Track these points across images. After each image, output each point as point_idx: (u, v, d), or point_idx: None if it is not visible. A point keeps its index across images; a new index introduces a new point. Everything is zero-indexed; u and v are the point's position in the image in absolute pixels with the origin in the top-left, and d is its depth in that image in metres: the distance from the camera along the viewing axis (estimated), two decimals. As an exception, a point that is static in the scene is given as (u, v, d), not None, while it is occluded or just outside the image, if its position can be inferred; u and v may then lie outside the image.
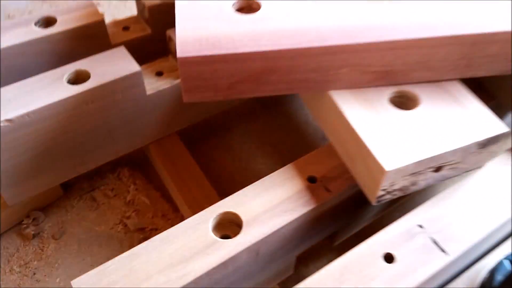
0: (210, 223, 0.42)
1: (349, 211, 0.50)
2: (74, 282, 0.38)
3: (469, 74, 0.47)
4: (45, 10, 0.97)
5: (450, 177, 0.45)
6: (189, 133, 0.69)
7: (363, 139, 0.42)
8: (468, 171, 0.46)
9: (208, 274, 0.39)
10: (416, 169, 0.41)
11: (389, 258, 0.40)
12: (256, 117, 0.76)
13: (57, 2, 1.01)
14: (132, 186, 0.65)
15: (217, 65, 0.41)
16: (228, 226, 0.43)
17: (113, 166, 0.67)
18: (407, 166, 0.40)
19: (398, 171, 0.40)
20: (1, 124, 0.49)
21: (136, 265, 0.39)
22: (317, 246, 0.55)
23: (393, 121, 0.43)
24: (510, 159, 0.47)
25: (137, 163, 0.68)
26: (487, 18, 0.44)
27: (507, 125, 0.43)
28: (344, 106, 0.45)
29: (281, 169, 0.47)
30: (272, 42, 0.42)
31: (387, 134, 0.42)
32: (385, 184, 0.41)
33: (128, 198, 0.64)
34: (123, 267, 0.39)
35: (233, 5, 0.46)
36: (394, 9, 0.45)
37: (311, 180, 0.46)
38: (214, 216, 0.42)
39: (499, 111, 0.53)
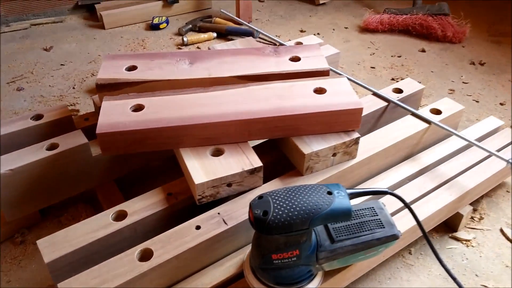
0: (110, 216, 0.83)
1: (191, 211, 0.91)
2: (39, 242, 0.78)
3: (252, 139, 0.91)
4: (39, 108, 1.45)
5: (241, 191, 0.87)
6: (123, 181, 1.11)
7: (190, 172, 0.84)
8: (251, 188, 0.88)
9: (107, 236, 0.80)
10: (214, 184, 0.83)
11: (198, 227, 0.81)
12: (171, 171, 1.19)
13: (49, 103, 1.49)
14: (84, 213, 1.06)
15: (117, 136, 0.85)
16: (121, 218, 0.84)
17: (73, 202, 1.08)
18: (207, 181, 0.82)
19: (201, 184, 0.82)
20: (6, 172, 0.91)
21: (71, 233, 0.80)
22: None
23: (208, 163, 0.86)
24: (274, 183, 0.90)
25: (88, 199, 1.09)
26: (255, 108, 0.89)
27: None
28: (185, 157, 0.88)
29: (155, 189, 0.89)
30: (145, 125, 0.86)
31: (203, 169, 0.85)
32: (199, 192, 0.83)
33: (81, 220, 1.04)
34: (66, 233, 0.79)
35: (130, 107, 0.91)
36: (207, 105, 0.91)
37: (169, 194, 0.88)
38: (113, 212, 0.84)
39: (284, 158, 0.97)
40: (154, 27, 1.92)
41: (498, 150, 1.07)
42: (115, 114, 0.89)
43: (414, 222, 0.90)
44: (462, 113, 1.11)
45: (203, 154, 0.88)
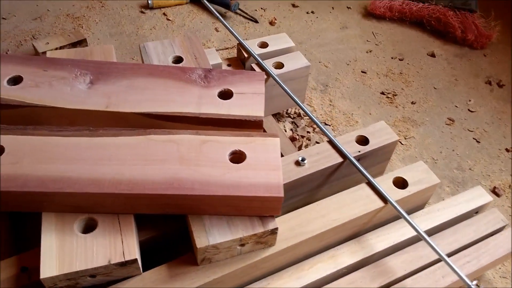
0: None
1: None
2: None
3: (135, 211, 0.70)
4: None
5: (110, 280, 0.68)
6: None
7: (41, 256, 0.64)
8: (125, 277, 0.69)
9: None
10: (69, 277, 0.64)
11: (38, 332, 0.63)
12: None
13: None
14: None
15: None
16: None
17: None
18: (58, 275, 0.63)
19: (51, 278, 0.63)
20: None
21: None
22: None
23: (70, 243, 0.66)
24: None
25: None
26: (143, 176, 0.67)
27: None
28: (44, 229, 0.67)
29: (5, 260, 0.70)
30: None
31: (60, 253, 0.65)
32: (48, 284, 0.64)
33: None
34: None
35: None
36: (84, 160, 0.69)
37: (23, 269, 0.70)
38: None
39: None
40: (119, -20, 1.61)
41: (475, 242, 0.83)
42: (-37, 160, 0.68)
43: None
44: (435, 188, 0.86)
45: (69, 227, 0.68)
